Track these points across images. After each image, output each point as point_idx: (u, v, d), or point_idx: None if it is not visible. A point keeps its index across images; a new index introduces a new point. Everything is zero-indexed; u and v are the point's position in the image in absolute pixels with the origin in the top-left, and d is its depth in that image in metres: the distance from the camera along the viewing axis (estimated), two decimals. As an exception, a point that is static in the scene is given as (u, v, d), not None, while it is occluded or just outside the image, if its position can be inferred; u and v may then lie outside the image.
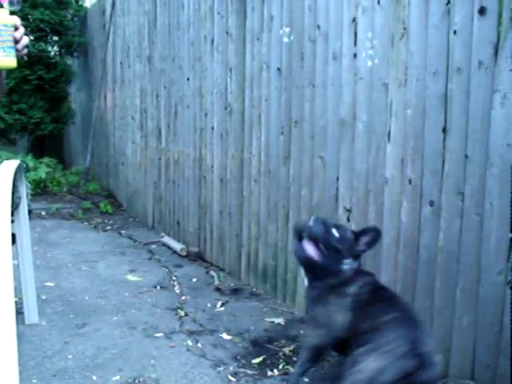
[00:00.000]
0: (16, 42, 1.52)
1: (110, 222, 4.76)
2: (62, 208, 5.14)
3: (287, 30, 2.59)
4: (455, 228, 1.86)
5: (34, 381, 1.91)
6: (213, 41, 3.30)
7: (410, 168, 2.01)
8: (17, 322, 1.60)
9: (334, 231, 1.81)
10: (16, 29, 1.52)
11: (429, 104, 1.93)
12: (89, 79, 6.82)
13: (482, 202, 1.78)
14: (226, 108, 3.19)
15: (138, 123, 4.75)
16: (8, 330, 1.54)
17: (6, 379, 1.50)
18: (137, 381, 1.93)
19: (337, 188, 2.37)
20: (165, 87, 4.10)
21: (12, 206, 1.90)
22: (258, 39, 2.86)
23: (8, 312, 1.55)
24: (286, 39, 2.60)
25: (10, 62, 1.52)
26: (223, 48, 3.19)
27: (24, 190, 2.24)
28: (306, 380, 1.94)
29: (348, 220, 2.31)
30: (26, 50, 1.58)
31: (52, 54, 6.75)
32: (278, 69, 2.70)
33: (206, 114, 3.44)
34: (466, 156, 1.82)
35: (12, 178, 1.74)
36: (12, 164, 1.85)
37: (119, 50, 5.32)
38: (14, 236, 2.18)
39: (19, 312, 2.32)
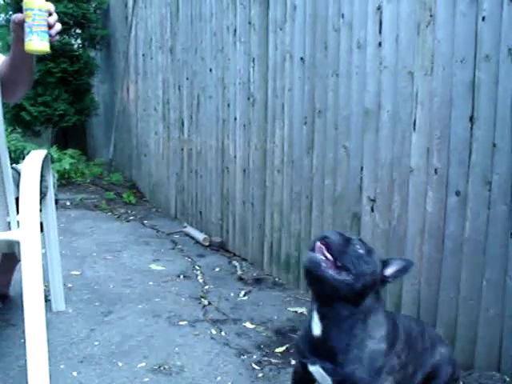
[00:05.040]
0: (49, 27, 1.56)
1: (133, 212, 4.81)
2: (86, 198, 5.21)
3: None
4: (482, 218, 1.84)
5: (61, 366, 1.94)
6: (235, 31, 3.30)
7: (435, 157, 1.99)
8: (45, 310, 1.63)
9: (359, 247, 1.32)
10: (50, 14, 1.55)
11: (455, 92, 1.90)
12: (111, 71, 6.88)
13: (510, 191, 1.75)
14: (248, 98, 3.18)
15: (161, 114, 4.78)
16: (38, 317, 1.58)
17: (37, 364, 1.54)
18: (162, 368, 1.96)
19: (361, 178, 2.35)
20: (187, 78, 4.11)
21: (40, 196, 1.93)
22: (280, 29, 2.84)
23: (37, 300, 1.58)
24: None
25: (44, 46, 1.55)
26: (246, 38, 3.18)
27: (51, 180, 2.28)
28: None
29: (372, 210, 2.29)
30: (58, 37, 1.61)
31: (75, 46, 6.82)
32: (302, 58, 2.69)
33: (228, 105, 3.44)
34: (494, 145, 1.79)
35: (40, 167, 1.77)
36: (40, 154, 1.87)
37: (141, 41, 5.35)
38: (41, 225, 2.21)
39: (46, 300, 2.36)
